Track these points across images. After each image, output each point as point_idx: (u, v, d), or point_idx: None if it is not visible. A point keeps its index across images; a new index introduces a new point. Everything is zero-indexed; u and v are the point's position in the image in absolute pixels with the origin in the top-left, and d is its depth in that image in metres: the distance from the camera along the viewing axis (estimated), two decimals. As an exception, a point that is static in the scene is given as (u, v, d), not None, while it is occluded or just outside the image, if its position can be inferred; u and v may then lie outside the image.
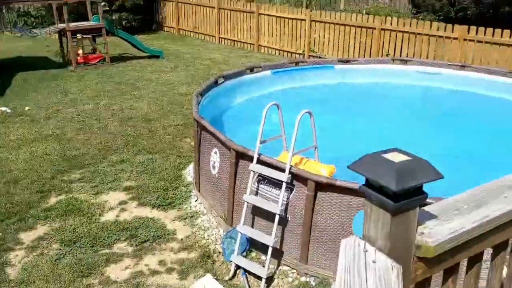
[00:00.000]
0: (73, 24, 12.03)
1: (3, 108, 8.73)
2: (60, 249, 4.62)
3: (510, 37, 9.46)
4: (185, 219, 5.14)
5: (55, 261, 4.42)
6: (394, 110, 7.17)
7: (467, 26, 10.10)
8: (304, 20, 12.94)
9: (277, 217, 4.05)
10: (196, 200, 5.46)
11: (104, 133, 7.63)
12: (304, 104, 7.20)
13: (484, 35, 9.79)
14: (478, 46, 9.93)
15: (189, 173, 6.17)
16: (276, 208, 4.04)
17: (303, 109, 6.70)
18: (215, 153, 4.87)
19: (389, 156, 1.13)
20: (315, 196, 3.97)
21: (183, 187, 5.84)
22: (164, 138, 7.45)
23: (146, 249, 4.63)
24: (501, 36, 9.57)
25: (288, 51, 13.65)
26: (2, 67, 11.68)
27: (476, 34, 9.92)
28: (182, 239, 4.80)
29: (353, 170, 1.16)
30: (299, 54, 13.32)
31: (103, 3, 13.56)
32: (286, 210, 4.17)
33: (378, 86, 8.04)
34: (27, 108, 8.79)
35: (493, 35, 9.68)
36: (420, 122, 6.64)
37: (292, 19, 13.26)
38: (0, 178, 6.06)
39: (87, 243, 4.70)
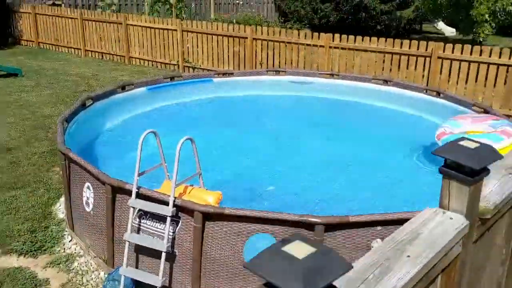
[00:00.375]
0: None
1: None
2: None
3: (370, 43, 10.17)
4: (59, 264, 4.57)
5: None
6: (274, 122, 7.22)
7: (331, 34, 10.66)
8: (176, 30, 12.65)
9: (163, 255, 3.75)
10: (70, 241, 4.90)
11: (-47, 169, 6.59)
12: (183, 123, 6.99)
13: (347, 42, 10.40)
14: (343, 53, 10.52)
15: (60, 208, 5.55)
16: (162, 245, 3.74)
17: (183, 127, 6.43)
18: (88, 188, 4.40)
19: (291, 249, 0.95)
20: (203, 227, 3.75)
21: (54, 226, 5.22)
22: (28, 169, 6.65)
23: (13, 308, 4.02)
24: (362, 41, 10.25)
25: (161, 62, 13.25)
26: None
27: (340, 41, 10.50)
28: (57, 288, 4.26)
29: (252, 271, 0.97)
30: (173, 65, 13.00)
31: None
32: (173, 244, 3.88)
33: (257, 99, 8.08)
34: None
35: (354, 42, 10.33)
36: (301, 133, 6.77)
37: (163, 29, 12.88)
38: None
39: None
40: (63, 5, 16.96)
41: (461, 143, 1.44)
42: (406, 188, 5.01)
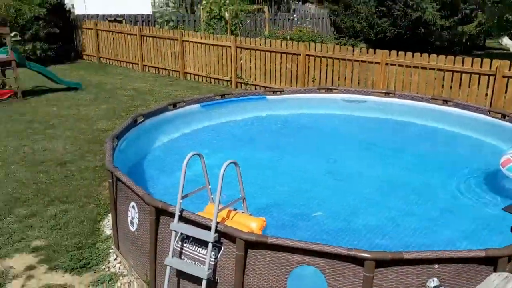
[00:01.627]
0: (-23, 58, 10.99)
1: None
2: (-51, 336, 3.89)
3: (429, 60, 9.74)
4: (102, 283, 4.55)
5: None
6: (326, 143, 6.95)
7: (388, 51, 10.31)
8: (230, 46, 12.72)
9: (204, 282, 3.62)
10: (115, 259, 4.89)
11: (11, 181, 6.83)
12: (233, 141, 6.90)
13: (404, 58, 10.02)
14: (400, 70, 10.15)
15: (108, 225, 5.58)
16: (202, 272, 3.61)
17: (233, 146, 6.32)
18: (133, 207, 4.37)
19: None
20: (245, 255, 3.59)
21: (100, 243, 5.24)
22: (80, 183, 6.78)
23: (56, 326, 4.01)
24: (420, 58, 9.82)
25: (215, 78, 13.36)
26: None
27: (397, 57, 10.13)
28: (99, 308, 4.23)
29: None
30: (226, 80, 13.07)
31: (13, 33, 12.60)
32: (215, 271, 3.75)
33: (308, 117, 7.86)
34: None
35: (412, 58, 9.92)
36: (352, 155, 6.47)
37: (218, 45, 13.00)
38: None
39: (-16, 326, 4.00)
40: (124, 21, 17.59)
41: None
42: (461, 220, 4.63)
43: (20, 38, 14.40)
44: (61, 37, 16.04)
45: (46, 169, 7.28)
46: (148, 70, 14.97)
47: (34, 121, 9.72)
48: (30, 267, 4.83)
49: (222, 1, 16.52)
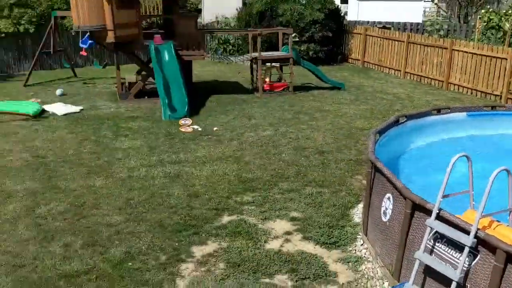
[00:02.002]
0: (264, 54, 12.82)
1: (196, 126, 9.66)
2: (225, 269, 4.79)
3: None
4: (348, 262, 4.90)
5: (219, 281, 4.59)
6: None
7: None
8: (506, 59, 11.64)
9: (454, 284, 3.56)
10: (362, 244, 5.18)
11: (278, 160, 7.84)
12: (501, 155, 6.37)
13: None
14: None
15: (357, 213, 5.92)
16: (454, 274, 3.56)
17: (501, 160, 5.89)
18: (388, 199, 4.55)
19: None
20: (504, 268, 3.38)
21: (349, 227, 5.60)
22: (335, 172, 7.32)
23: (306, 287, 4.52)
24: None
25: (481, 91, 12.44)
26: (200, 89, 13.03)
27: None
28: (343, 284, 4.57)
29: None
30: (495, 95, 12.02)
31: (293, 34, 14.20)
32: (466, 277, 3.64)
33: None
34: (215, 128, 9.56)
35: None
36: None
37: (491, 57, 12.05)
38: (184, 190, 6.63)
39: (250, 269, 4.78)
40: (392, 28, 17.86)
41: None
42: None
43: (298, 39, 16.12)
44: (332, 40, 17.26)
45: (307, 154, 8.09)
46: (410, 77, 14.87)
47: (300, 112, 10.85)
48: (288, 233, 5.52)
49: (504, 11, 15.18)
